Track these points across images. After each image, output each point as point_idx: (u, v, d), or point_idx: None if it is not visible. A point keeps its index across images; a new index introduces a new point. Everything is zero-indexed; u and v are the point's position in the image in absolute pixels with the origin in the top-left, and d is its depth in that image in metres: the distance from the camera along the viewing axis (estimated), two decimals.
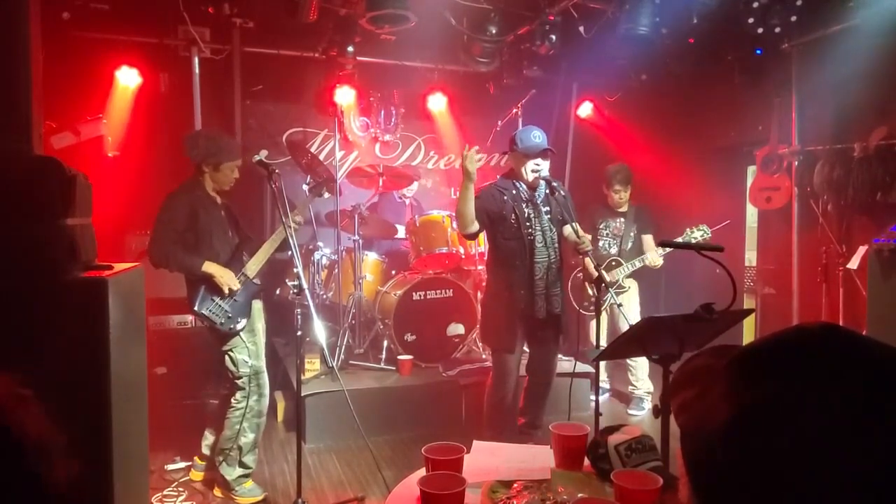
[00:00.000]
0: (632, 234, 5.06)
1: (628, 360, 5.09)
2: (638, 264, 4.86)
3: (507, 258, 3.72)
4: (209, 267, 3.42)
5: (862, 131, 4.54)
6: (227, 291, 3.45)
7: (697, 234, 4.42)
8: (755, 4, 4.43)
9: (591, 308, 4.69)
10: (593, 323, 4.71)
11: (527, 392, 3.99)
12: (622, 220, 5.10)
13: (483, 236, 3.98)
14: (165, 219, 3.41)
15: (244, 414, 3.55)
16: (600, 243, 5.08)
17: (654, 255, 4.80)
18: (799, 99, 5.07)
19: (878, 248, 3.88)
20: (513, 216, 3.68)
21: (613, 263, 4.95)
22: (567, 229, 3.76)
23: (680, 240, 4.42)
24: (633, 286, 5.08)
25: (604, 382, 5.29)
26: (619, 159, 6.56)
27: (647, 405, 5.07)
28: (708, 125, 5.95)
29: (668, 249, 4.52)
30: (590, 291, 4.67)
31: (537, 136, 3.64)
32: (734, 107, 5.69)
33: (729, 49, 5.30)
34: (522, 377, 4.02)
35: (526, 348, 3.99)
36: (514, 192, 3.71)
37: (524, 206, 3.70)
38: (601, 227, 5.12)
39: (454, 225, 5.43)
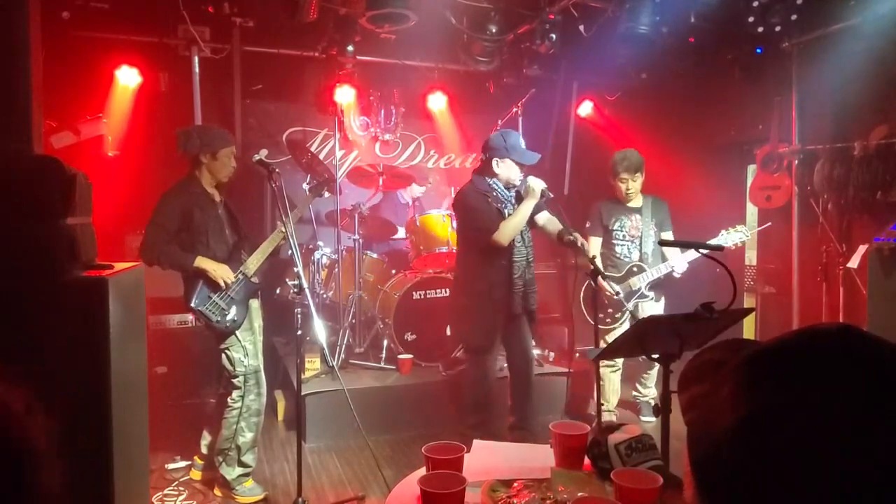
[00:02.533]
0: (651, 232, 4.45)
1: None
2: (664, 270, 4.31)
3: (489, 258, 3.76)
4: (202, 262, 3.40)
5: (862, 130, 4.54)
6: (223, 285, 3.45)
7: (735, 237, 4.14)
8: (755, 3, 4.43)
9: (608, 321, 4.43)
10: (612, 336, 4.41)
11: (512, 389, 4.02)
12: (637, 216, 4.46)
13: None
14: (158, 219, 3.40)
15: (241, 413, 3.55)
16: (617, 248, 4.46)
17: (680, 262, 4.23)
18: (799, 98, 5.08)
19: (878, 246, 3.88)
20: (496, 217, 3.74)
21: (635, 269, 4.42)
22: (542, 218, 3.81)
23: (714, 241, 4.10)
24: (658, 298, 4.49)
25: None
26: None
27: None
28: (708, 124, 5.95)
29: (694, 255, 4.14)
30: (606, 301, 4.34)
31: (522, 143, 3.76)
32: (734, 105, 5.69)
33: (729, 48, 5.30)
34: (502, 378, 4.07)
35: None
36: (494, 193, 3.76)
37: (503, 207, 3.76)
38: (615, 227, 4.47)
39: (454, 224, 5.43)
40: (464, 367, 4.19)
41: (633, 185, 4.40)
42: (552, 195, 3.70)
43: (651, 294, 4.42)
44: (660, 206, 4.55)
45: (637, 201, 4.51)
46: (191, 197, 3.47)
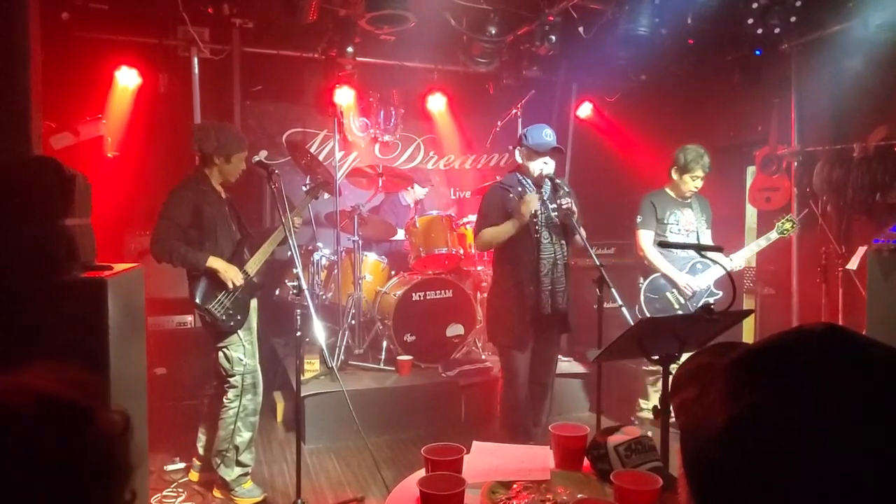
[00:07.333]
0: (703, 227, 4.35)
1: None
2: (724, 269, 4.33)
3: (515, 255, 3.69)
4: (214, 262, 3.41)
5: (861, 131, 4.54)
6: (230, 286, 3.45)
7: (788, 226, 4.13)
8: (754, 5, 4.43)
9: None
10: None
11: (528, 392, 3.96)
12: (689, 210, 4.34)
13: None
14: (169, 214, 3.40)
15: (238, 413, 3.54)
16: (672, 241, 4.25)
17: (738, 257, 4.17)
18: (798, 99, 5.08)
19: (877, 248, 3.87)
20: None
21: (699, 267, 4.22)
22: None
23: (774, 233, 4.16)
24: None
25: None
26: (619, 160, 6.57)
27: None
28: (707, 125, 5.95)
29: (754, 249, 4.19)
30: (674, 296, 4.24)
31: (548, 135, 3.66)
32: (734, 107, 5.69)
33: (728, 49, 5.31)
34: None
35: None
36: (519, 188, 3.70)
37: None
38: (670, 220, 4.30)
39: (454, 226, 5.44)
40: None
41: (700, 183, 4.26)
42: (559, 180, 3.66)
43: (719, 292, 4.29)
44: (705, 203, 4.45)
45: (689, 197, 4.36)
46: (201, 194, 3.48)
